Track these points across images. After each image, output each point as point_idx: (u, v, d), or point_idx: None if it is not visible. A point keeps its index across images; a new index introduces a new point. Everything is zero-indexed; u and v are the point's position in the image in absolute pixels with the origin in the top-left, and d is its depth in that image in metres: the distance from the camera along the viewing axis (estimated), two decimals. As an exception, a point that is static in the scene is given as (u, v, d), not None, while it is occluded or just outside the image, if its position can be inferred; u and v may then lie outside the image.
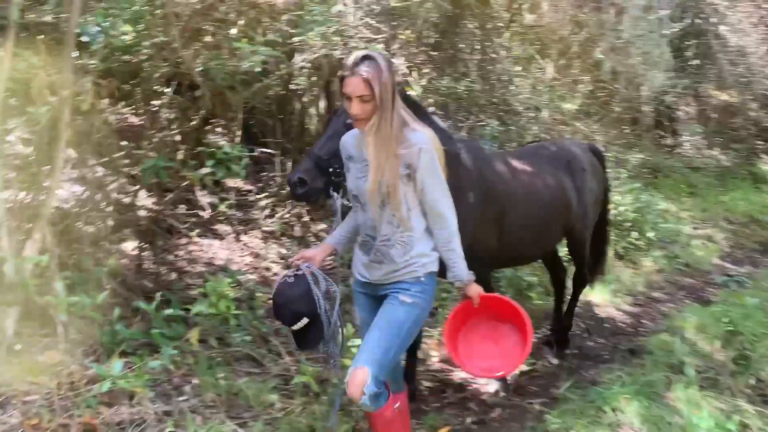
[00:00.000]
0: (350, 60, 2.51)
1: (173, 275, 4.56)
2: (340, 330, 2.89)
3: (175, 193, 4.76)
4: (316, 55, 4.35)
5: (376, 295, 2.79)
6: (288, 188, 3.22)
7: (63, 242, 3.88)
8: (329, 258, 3.10)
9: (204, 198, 5.09)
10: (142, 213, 4.63)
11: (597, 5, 8.69)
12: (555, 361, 4.61)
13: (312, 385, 3.50)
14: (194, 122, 4.64)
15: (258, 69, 3.88)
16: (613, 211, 7.06)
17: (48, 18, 3.51)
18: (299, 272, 2.77)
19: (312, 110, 5.55)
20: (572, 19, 8.01)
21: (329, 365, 3.02)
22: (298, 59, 4.54)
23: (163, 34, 3.85)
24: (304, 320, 2.73)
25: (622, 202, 7.03)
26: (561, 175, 4.24)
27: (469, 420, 3.77)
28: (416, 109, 2.92)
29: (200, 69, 4.05)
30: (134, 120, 4.82)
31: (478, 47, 6.02)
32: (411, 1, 4.60)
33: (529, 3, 6.45)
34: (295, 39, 4.28)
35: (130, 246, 4.51)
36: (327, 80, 4.98)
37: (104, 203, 4.39)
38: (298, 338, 2.82)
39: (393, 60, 2.23)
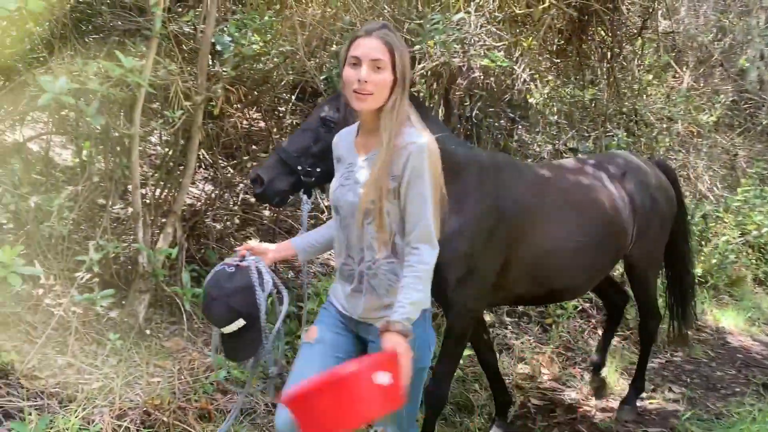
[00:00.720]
0: (366, 26, 2.11)
1: (290, 273, 4.75)
2: (280, 346, 2.43)
3: (296, 195, 4.94)
4: (436, 63, 4.36)
5: (353, 332, 2.27)
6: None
7: (192, 237, 4.17)
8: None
9: (324, 201, 5.26)
10: (266, 213, 4.87)
11: (745, 9, 8.06)
12: (676, 390, 4.31)
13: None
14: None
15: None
16: (754, 232, 6.51)
17: (187, 29, 3.79)
18: (243, 263, 2.28)
19: (431, 118, 5.58)
20: (714, 24, 7.47)
21: (263, 386, 2.55)
22: (418, 67, 4.58)
23: (289, 44, 4.03)
24: (240, 322, 2.22)
25: (764, 223, 6.46)
26: (612, 189, 3.42)
27: (577, 442, 3.61)
28: (420, 108, 2.40)
29: (323, 77, 4.20)
30: (261, 125, 5.08)
31: (607, 54, 5.76)
32: (535, 7, 4.50)
33: (664, 8, 6.09)
34: (416, 48, 4.31)
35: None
36: (446, 88, 4.98)
37: (231, 202, 4.67)
38: (228, 344, 2.31)
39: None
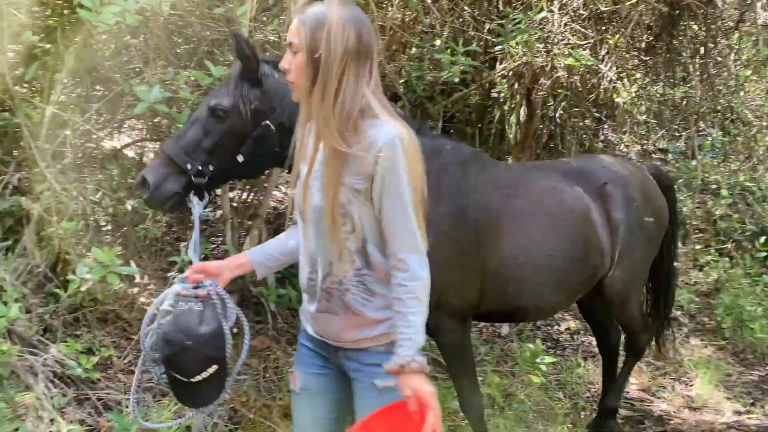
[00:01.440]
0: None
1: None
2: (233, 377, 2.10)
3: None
4: (518, 63, 4.29)
5: (335, 364, 1.91)
6: None
7: (276, 239, 4.29)
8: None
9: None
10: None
11: None
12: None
13: (497, 397, 3.45)
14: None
15: (456, 79, 3.92)
16: None
17: (272, 37, 3.89)
18: (200, 291, 1.89)
19: (512, 118, 5.49)
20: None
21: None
22: (499, 68, 4.52)
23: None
24: (212, 368, 1.90)
25: None
26: (587, 201, 2.99)
27: (668, 456, 3.46)
28: None
29: (402, 81, 4.21)
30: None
31: (700, 50, 5.49)
32: (622, 4, 4.34)
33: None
34: (497, 48, 4.26)
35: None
36: (528, 88, 4.89)
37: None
38: (193, 391, 1.96)
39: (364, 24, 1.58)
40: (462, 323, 2.77)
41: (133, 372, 3.23)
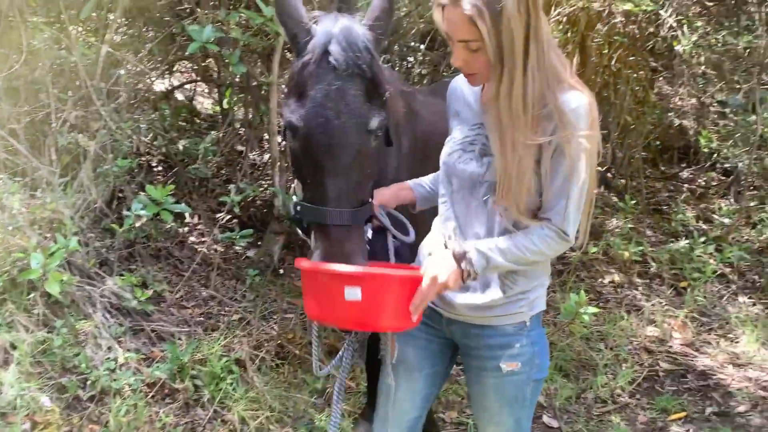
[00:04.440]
0: None
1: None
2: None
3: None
4: (573, 7, 4.14)
5: (444, 338, 1.81)
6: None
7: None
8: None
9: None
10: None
11: None
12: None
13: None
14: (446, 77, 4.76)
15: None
16: None
17: None
18: (376, 224, 1.86)
19: (564, 68, 5.34)
20: None
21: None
22: (553, 13, 4.37)
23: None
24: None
25: None
26: None
27: (709, 410, 3.44)
28: None
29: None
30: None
31: (768, -3, 5.19)
32: (687, -55, 4.13)
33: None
34: (552, -9, 4.12)
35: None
36: (583, 35, 4.72)
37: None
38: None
39: None
40: None
41: (185, 307, 3.36)
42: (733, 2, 5.09)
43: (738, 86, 5.95)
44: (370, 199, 1.77)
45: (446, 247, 1.72)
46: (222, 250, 3.79)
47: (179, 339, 3.04)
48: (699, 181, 6.12)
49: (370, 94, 1.63)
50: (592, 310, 3.41)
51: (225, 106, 4.17)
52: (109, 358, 2.73)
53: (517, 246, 1.59)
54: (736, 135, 5.54)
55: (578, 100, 1.52)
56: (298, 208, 1.69)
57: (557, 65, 1.55)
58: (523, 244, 1.59)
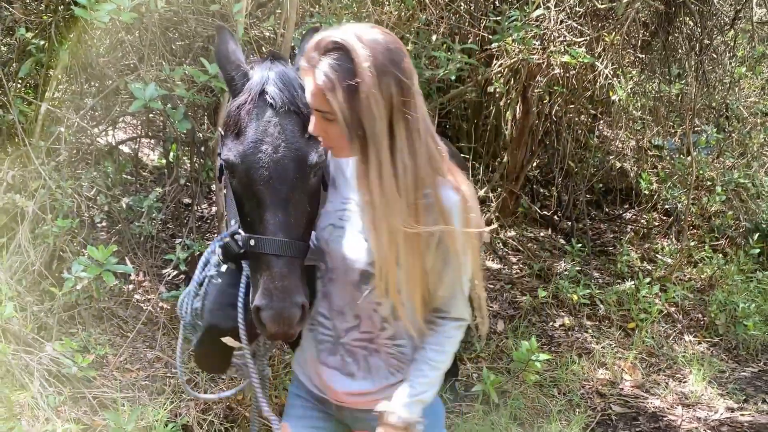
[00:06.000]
0: (312, 43, 1.44)
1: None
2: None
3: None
4: (514, 60, 4.28)
5: (329, 414, 1.75)
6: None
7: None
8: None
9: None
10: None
11: None
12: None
13: (492, 394, 3.46)
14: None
15: (452, 77, 3.92)
16: None
17: (268, 33, 3.88)
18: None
19: (508, 115, 5.49)
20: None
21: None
22: (495, 64, 4.51)
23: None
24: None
25: None
26: None
27: (661, 453, 3.48)
28: None
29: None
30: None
31: (696, 47, 5.49)
32: (618, 1, 4.34)
33: (760, -5, 5.74)
34: (493, 45, 4.25)
35: None
36: (524, 85, 4.89)
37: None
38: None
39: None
40: None
41: (129, 370, 3.23)
42: (663, 52, 5.36)
43: (673, 130, 6.23)
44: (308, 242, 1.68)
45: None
46: (168, 308, 3.69)
47: (122, 405, 2.91)
48: (641, 221, 6.32)
49: (307, 131, 1.58)
50: (544, 356, 3.45)
51: (171, 159, 4.12)
52: (47, 431, 2.59)
53: (435, 366, 1.57)
54: (674, 177, 5.76)
55: (452, 198, 1.46)
56: (238, 239, 1.63)
57: (435, 154, 1.46)
58: (438, 360, 1.58)
